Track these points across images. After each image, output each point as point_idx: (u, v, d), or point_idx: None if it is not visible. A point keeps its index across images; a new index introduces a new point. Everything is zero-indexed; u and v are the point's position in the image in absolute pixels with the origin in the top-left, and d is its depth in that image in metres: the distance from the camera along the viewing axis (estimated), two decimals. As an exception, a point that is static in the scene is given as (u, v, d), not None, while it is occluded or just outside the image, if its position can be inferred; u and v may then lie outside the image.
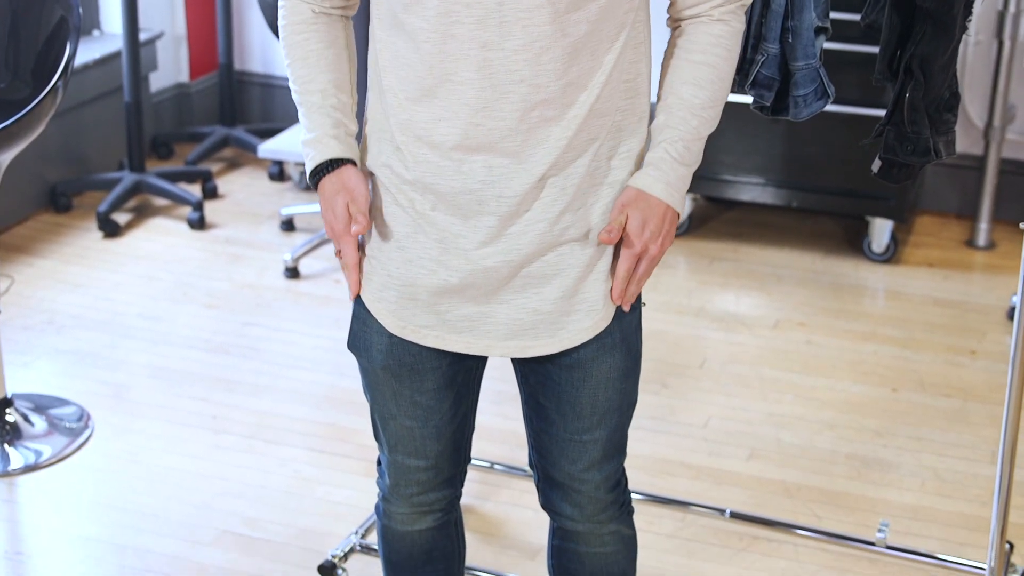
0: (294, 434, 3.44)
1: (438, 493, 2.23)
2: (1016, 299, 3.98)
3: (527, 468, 3.13)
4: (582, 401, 2.08)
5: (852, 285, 4.24)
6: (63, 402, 3.56)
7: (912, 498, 3.19)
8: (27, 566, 2.97)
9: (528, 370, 2.11)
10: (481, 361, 2.14)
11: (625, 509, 2.23)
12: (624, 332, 2.06)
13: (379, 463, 2.28)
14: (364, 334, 2.09)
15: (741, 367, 3.75)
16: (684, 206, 2.05)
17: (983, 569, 2.85)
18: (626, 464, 2.24)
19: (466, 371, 2.13)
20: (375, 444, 2.23)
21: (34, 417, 3.45)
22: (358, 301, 2.09)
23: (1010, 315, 4.03)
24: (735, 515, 3.07)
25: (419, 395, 2.10)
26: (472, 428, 2.23)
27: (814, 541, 3.02)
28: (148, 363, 3.78)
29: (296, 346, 3.87)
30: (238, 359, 3.80)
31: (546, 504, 2.23)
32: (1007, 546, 2.82)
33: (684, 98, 1.96)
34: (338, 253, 2.04)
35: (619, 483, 2.20)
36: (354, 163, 2.03)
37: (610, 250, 2.01)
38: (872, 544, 2.96)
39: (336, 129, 2.02)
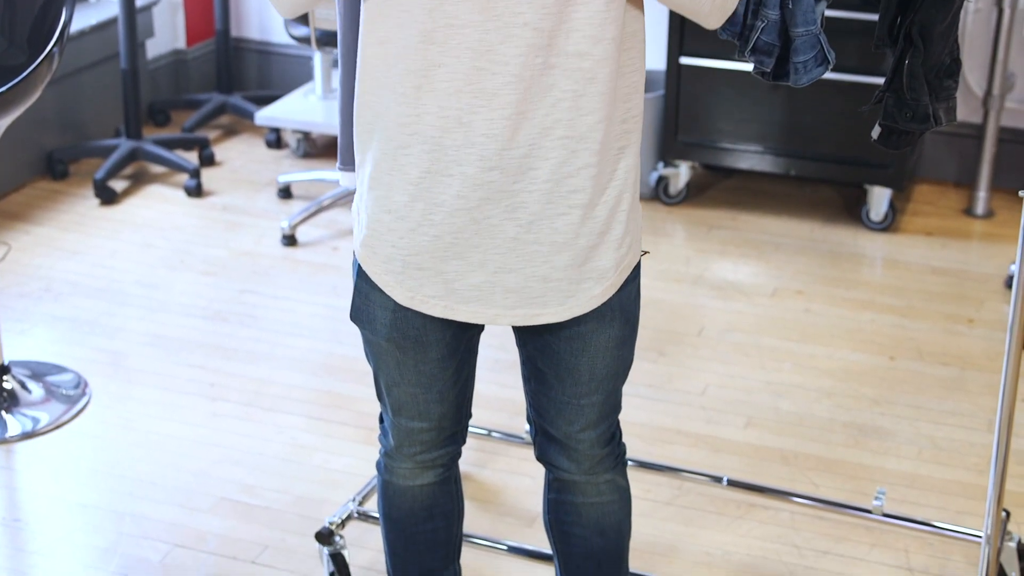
0: (291, 401, 3.44)
1: (441, 450, 2.25)
2: (1014, 267, 3.97)
3: (524, 436, 3.13)
4: (580, 369, 2.09)
5: (850, 253, 4.23)
6: (60, 369, 3.55)
7: (909, 466, 3.20)
8: (25, 533, 2.98)
9: (527, 336, 2.11)
10: (481, 326, 2.14)
11: (620, 460, 2.26)
12: (623, 303, 2.06)
13: (381, 420, 2.29)
14: (367, 308, 2.08)
15: (739, 335, 3.74)
16: None
17: (979, 537, 2.85)
18: (624, 432, 2.26)
19: (468, 339, 2.14)
20: (372, 412, 2.23)
21: (31, 384, 3.45)
22: (361, 275, 2.07)
23: (1008, 283, 4.02)
24: (732, 483, 3.07)
25: (423, 364, 2.11)
26: (472, 387, 2.25)
27: (811, 509, 3.02)
28: (145, 330, 3.77)
29: (293, 313, 3.87)
30: (235, 327, 3.80)
31: (542, 456, 2.26)
32: (1004, 514, 2.82)
33: None
34: None
35: (614, 436, 2.23)
36: None
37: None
38: (869, 512, 2.96)
39: None
